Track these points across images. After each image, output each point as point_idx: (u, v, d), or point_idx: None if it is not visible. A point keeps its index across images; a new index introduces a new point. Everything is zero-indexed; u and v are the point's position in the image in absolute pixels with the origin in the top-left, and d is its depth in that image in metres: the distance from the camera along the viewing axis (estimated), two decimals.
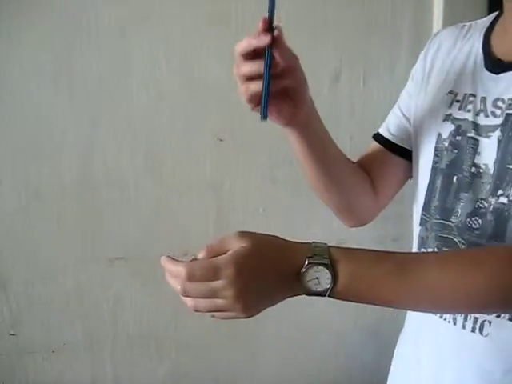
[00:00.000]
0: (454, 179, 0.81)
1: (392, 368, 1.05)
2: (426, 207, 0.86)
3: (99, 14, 1.32)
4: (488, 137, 0.78)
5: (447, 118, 0.84)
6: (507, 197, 0.73)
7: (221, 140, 1.41)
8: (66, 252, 1.41)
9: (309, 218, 1.49)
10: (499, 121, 0.76)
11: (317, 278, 0.62)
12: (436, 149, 0.86)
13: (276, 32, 0.71)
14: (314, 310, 1.56)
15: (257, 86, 0.73)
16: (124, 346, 1.51)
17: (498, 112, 0.77)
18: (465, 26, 0.91)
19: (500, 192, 0.74)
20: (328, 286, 0.62)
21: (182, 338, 1.53)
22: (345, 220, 1.01)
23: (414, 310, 0.80)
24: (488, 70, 0.81)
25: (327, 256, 0.63)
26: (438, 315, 0.85)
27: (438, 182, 0.85)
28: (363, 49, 1.45)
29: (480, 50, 0.84)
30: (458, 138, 0.82)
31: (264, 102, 0.73)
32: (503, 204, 0.74)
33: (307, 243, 0.65)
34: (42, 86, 1.33)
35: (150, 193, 1.42)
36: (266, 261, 0.63)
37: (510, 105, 0.76)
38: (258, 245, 0.63)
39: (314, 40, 1.42)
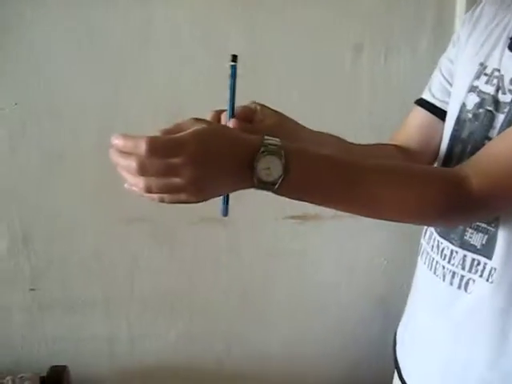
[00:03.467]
0: (468, 148, 0.84)
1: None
2: None
3: None
4: (504, 113, 0.80)
5: (474, 89, 0.86)
6: None
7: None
8: (86, 212, 1.45)
9: None
10: (509, 98, 0.79)
11: (269, 167, 0.62)
12: (458, 118, 0.88)
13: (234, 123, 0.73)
14: (323, 278, 1.60)
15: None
16: (139, 305, 1.55)
17: None
18: None
19: None
20: (278, 177, 0.62)
21: (195, 301, 1.57)
22: None
23: (348, 212, 0.81)
24: (509, 49, 0.83)
25: (281, 147, 0.63)
26: (432, 272, 0.92)
27: (456, 150, 0.88)
28: (386, 25, 1.45)
29: None
30: (481, 110, 0.84)
31: (225, 201, 0.71)
32: None
33: (262, 136, 0.66)
34: (64, 51, 1.35)
35: None
36: (224, 143, 0.62)
37: None
38: (215, 127, 0.64)
39: (337, 15, 1.41)
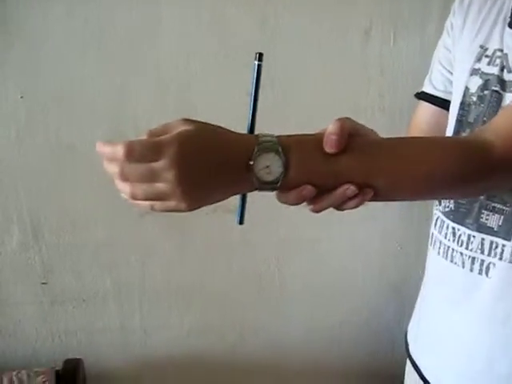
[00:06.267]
0: None
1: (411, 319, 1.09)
2: None
3: None
4: (511, 91, 0.79)
5: (476, 72, 0.85)
6: None
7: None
8: (97, 204, 1.43)
9: None
10: None
11: (267, 166, 0.59)
12: (463, 102, 0.87)
13: None
14: (337, 266, 1.59)
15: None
16: (152, 297, 1.54)
17: None
18: None
19: None
20: (280, 174, 0.60)
21: (208, 292, 1.56)
22: None
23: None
24: (510, 26, 0.82)
25: (277, 142, 0.60)
26: (449, 260, 0.89)
27: (464, 135, 0.86)
28: (394, 7, 1.44)
29: (510, 6, 0.84)
30: (486, 92, 0.83)
31: (240, 209, 0.68)
32: None
33: (255, 134, 0.63)
34: (72, 43, 1.32)
35: None
36: (212, 145, 0.59)
37: None
38: (203, 128, 0.60)
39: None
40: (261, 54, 0.64)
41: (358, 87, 1.45)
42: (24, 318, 1.52)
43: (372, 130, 0.70)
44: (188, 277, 1.54)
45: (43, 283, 1.49)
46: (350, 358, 1.70)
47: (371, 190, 0.63)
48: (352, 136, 0.63)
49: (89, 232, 1.46)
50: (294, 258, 1.57)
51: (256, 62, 0.65)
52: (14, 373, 1.43)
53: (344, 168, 0.62)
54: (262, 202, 1.42)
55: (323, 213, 1.55)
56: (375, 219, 1.54)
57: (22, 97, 1.34)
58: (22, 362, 1.55)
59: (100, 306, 1.53)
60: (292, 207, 1.46)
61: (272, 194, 1.32)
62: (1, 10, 1.27)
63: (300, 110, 1.42)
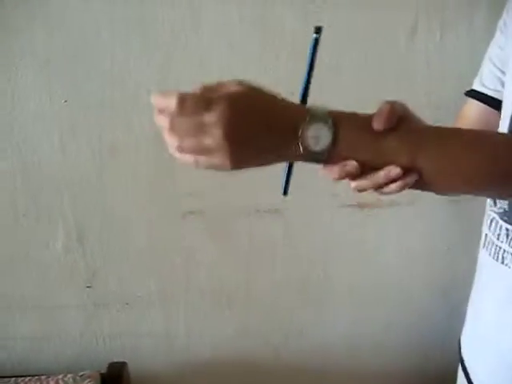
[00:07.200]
0: None
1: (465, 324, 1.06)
2: None
3: None
4: None
5: None
6: None
7: (292, 93, 1.39)
8: (140, 207, 1.43)
9: None
10: None
11: (316, 136, 0.59)
12: None
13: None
14: (383, 268, 1.56)
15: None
16: (196, 299, 1.54)
17: None
18: None
19: None
20: (327, 146, 0.60)
21: (252, 293, 1.55)
22: None
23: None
24: None
25: (328, 115, 0.60)
26: (500, 261, 0.88)
27: None
28: (440, 2, 1.40)
29: None
30: None
31: (285, 180, 0.69)
32: None
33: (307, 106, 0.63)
34: (113, 45, 1.32)
35: None
36: (263, 107, 0.60)
37: None
38: (257, 91, 0.61)
39: None
40: (319, 28, 0.65)
41: (403, 84, 1.41)
42: (68, 321, 1.53)
43: (422, 120, 0.69)
44: (232, 279, 1.53)
45: (88, 287, 1.50)
46: (397, 362, 1.67)
47: (416, 174, 0.62)
48: (402, 119, 0.63)
49: (132, 235, 1.46)
50: (339, 259, 1.54)
51: (314, 35, 0.66)
52: (60, 376, 1.43)
53: (391, 148, 0.62)
54: (304, 203, 1.41)
55: (367, 213, 1.53)
56: (422, 219, 1.50)
57: (65, 101, 1.34)
58: (67, 365, 1.56)
59: (144, 309, 1.53)
60: (335, 206, 1.45)
61: (313, 196, 1.30)
62: (44, 11, 1.27)
63: (344, 108, 1.40)
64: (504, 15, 0.94)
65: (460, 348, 1.06)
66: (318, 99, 1.33)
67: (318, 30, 0.65)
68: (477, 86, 0.99)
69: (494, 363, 0.92)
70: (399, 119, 0.63)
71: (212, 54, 1.35)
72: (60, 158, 1.38)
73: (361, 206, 1.47)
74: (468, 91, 1.02)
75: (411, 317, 1.63)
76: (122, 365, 1.49)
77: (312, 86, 1.38)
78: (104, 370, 1.47)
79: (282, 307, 1.57)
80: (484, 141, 0.66)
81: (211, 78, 1.34)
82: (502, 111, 0.90)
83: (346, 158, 0.61)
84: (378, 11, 1.35)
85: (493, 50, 0.96)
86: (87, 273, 1.48)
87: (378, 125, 0.61)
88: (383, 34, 1.37)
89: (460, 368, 1.05)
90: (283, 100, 0.62)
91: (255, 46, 1.35)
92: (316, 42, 0.66)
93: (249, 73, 1.34)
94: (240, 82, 0.60)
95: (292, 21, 1.33)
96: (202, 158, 0.59)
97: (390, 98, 1.42)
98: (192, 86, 1.35)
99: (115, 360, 1.52)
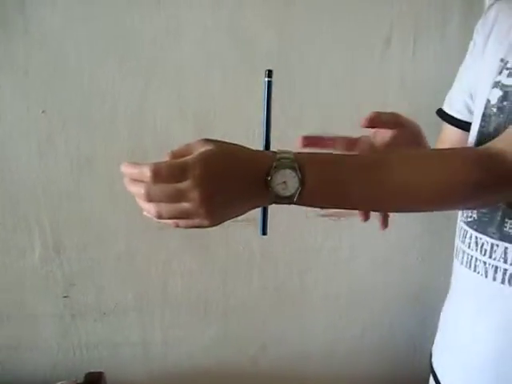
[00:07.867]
0: None
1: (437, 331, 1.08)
2: None
3: None
4: None
5: (496, 84, 0.85)
6: None
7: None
8: (118, 217, 1.44)
9: None
10: None
11: (284, 181, 0.61)
12: (484, 114, 0.86)
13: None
14: (358, 276, 1.58)
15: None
16: (173, 309, 1.54)
17: None
18: None
19: None
20: (295, 190, 0.62)
21: (229, 302, 1.56)
22: None
23: (377, 211, 0.82)
24: None
25: (294, 160, 0.62)
26: (472, 270, 0.89)
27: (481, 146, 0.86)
28: (413, 14, 1.43)
29: None
30: (505, 103, 0.83)
31: (262, 221, 0.70)
32: None
33: (272, 151, 0.64)
34: (91, 56, 1.34)
35: None
36: (232, 164, 0.61)
37: None
38: (225, 148, 0.61)
39: (364, 5, 1.40)
40: (270, 71, 0.65)
41: (376, 96, 1.44)
42: (45, 331, 1.53)
43: (417, 124, 0.76)
44: (209, 288, 1.54)
45: (64, 296, 1.50)
46: (371, 369, 1.69)
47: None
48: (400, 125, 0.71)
49: (109, 245, 1.47)
50: (314, 268, 1.56)
51: (266, 79, 0.66)
52: None
53: (354, 191, 0.65)
54: (280, 212, 1.43)
55: (342, 223, 1.55)
56: (396, 230, 1.52)
57: (43, 111, 1.35)
58: (44, 375, 1.55)
59: (121, 319, 1.53)
60: (311, 216, 1.47)
61: (289, 206, 1.30)
62: (22, 24, 1.28)
63: (316, 120, 1.42)
64: (474, 35, 0.97)
65: (431, 357, 1.08)
66: (288, 108, 1.37)
67: (270, 74, 0.66)
68: (448, 109, 1.02)
69: (466, 373, 0.93)
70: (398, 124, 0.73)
71: (191, 65, 1.37)
72: (37, 168, 1.39)
73: (336, 215, 1.50)
74: (439, 112, 1.04)
75: (385, 324, 1.65)
76: (99, 374, 1.49)
77: (284, 95, 1.41)
78: (81, 380, 1.47)
79: (258, 316, 1.59)
80: (450, 158, 0.69)
81: (189, 89, 1.37)
82: (472, 123, 0.92)
83: (315, 197, 0.64)
84: (352, 22, 1.38)
85: (462, 72, 0.99)
86: (64, 283, 1.48)
87: (362, 124, 0.73)
88: (359, 44, 1.41)
89: (431, 377, 1.06)
90: (248, 150, 0.63)
91: (232, 56, 1.38)
92: (269, 85, 0.66)
93: (225, 87, 1.38)
94: (205, 141, 0.61)
95: (267, 32, 1.36)
96: (182, 221, 0.60)
97: (365, 109, 1.45)
98: (169, 100, 1.38)
99: (92, 370, 1.51)
